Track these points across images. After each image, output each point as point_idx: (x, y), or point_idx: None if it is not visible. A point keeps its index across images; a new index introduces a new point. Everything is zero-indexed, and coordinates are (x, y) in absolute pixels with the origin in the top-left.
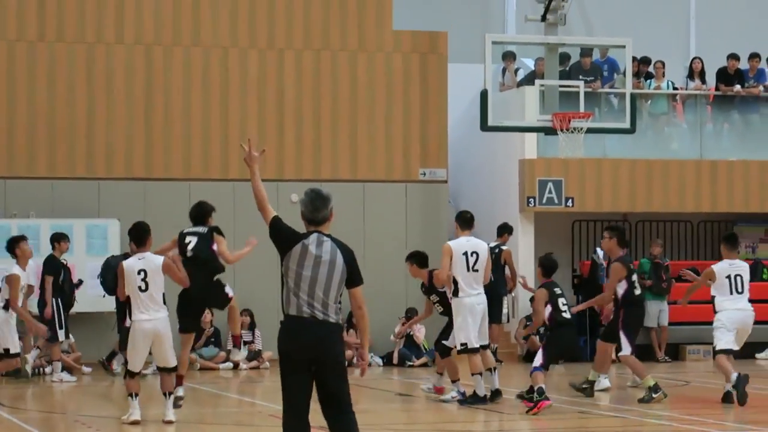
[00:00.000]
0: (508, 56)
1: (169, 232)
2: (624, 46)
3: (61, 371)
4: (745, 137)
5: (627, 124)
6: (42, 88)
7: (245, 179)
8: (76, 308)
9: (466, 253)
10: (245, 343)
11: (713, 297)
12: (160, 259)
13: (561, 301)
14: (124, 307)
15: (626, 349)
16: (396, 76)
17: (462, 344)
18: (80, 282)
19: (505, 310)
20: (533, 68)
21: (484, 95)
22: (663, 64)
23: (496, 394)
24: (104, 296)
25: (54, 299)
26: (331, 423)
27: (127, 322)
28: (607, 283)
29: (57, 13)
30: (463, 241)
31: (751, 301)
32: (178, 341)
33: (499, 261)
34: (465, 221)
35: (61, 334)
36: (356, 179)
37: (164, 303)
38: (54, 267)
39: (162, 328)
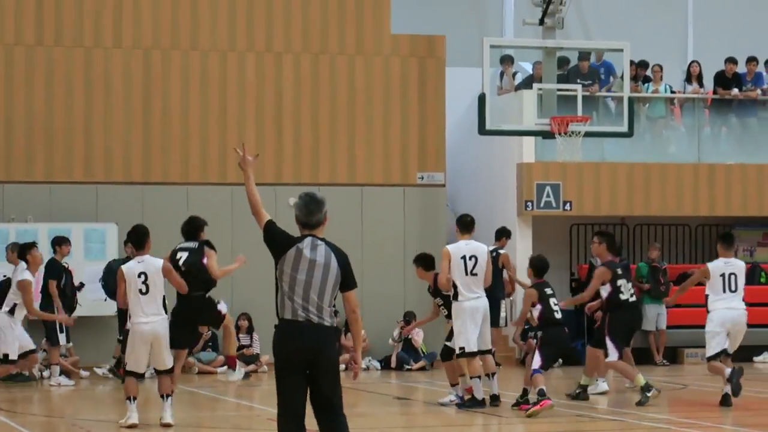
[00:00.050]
0: (506, 60)
1: (167, 237)
2: (622, 50)
3: (59, 375)
4: (742, 141)
5: (625, 128)
6: (40, 92)
7: (243, 183)
8: (74, 312)
9: (464, 257)
10: (242, 347)
11: (707, 296)
12: (160, 261)
13: (552, 301)
14: (125, 312)
15: (612, 354)
16: (394, 80)
17: (460, 348)
18: (81, 285)
19: (502, 314)
20: (531, 72)
21: (482, 99)
22: (661, 67)
23: (494, 399)
24: (105, 300)
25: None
26: (322, 426)
27: (128, 326)
28: (589, 286)
29: (55, 18)
30: (462, 245)
31: (749, 304)
32: None
33: (496, 265)
34: (464, 225)
35: (62, 337)
36: (354, 183)
37: (164, 306)
38: (56, 270)
39: (160, 331)
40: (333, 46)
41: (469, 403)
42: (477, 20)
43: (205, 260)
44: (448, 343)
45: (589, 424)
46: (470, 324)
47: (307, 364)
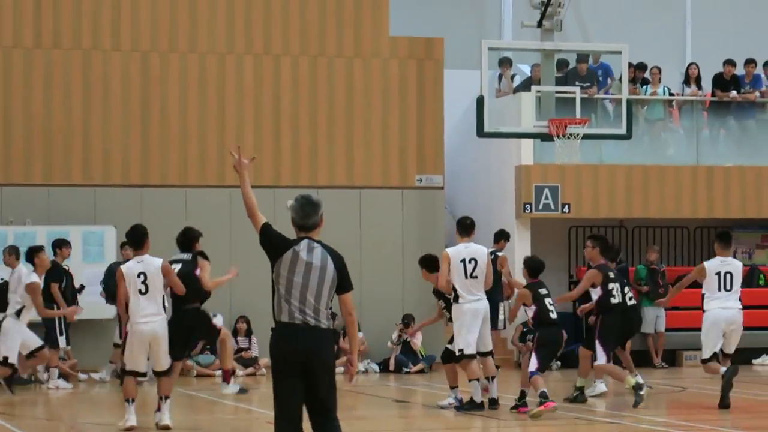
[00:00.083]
0: (505, 62)
1: (165, 239)
2: (620, 52)
3: (58, 378)
4: (741, 143)
5: (623, 130)
6: (38, 94)
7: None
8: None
9: (464, 260)
10: (241, 350)
11: (703, 295)
12: (159, 261)
13: (547, 301)
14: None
15: (601, 358)
16: (392, 82)
17: (459, 350)
18: (82, 287)
19: (501, 317)
20: (529, 74)
21: (480, 101)
22: (659, 69)
23: (493, 402)
24: (107, 302)
25: (55, 305)
26: (316, 429)
27: (129, 328)
28: (578, 286)
29: (53, 20)
30: (461, 248)
31: (747, 307)
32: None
33: (495, 267)
34: (464, 228)
35: (61, 340)
36: (353, 185)
37: (164, 306)
38: (57, 273)
39: (159, 331)
40: (331, 48)
41: (467, 406)
42: (475, 22)
43: (198, 272)
44: (449, 346)
45: (588, 426)
46: (470, 326)
47: (304, 367)
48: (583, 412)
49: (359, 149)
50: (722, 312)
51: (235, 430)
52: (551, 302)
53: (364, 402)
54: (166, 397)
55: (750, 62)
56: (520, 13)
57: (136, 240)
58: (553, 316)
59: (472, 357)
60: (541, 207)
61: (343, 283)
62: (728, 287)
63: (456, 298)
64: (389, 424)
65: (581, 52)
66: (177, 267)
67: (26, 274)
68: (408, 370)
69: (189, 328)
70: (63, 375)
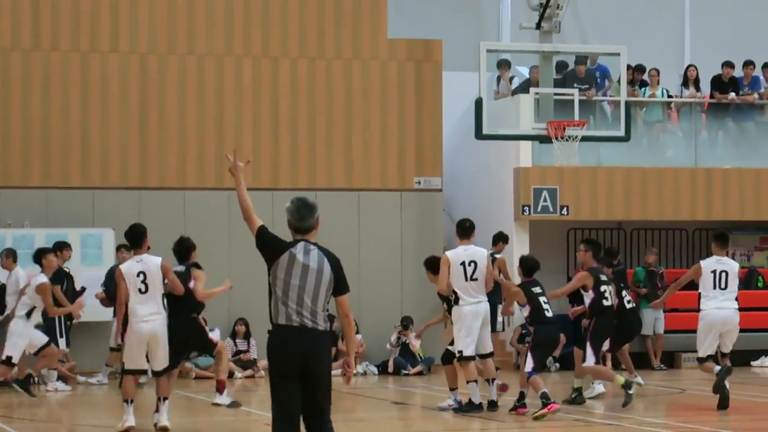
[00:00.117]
0: (503, 64)
1: (163, 241)
2: (619, 54)
3: (56, 380)
4: (739, 145)
5: (622, 132)
6: (36, 97)
7: None
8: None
9: (463, 263)
10: (239, 352)
11: (699, 294)
12: (158, 259)
13: (542, 299)
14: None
15: (590, 359)
16: (391, 85)
17: (459, 352)
18: (83, 289)
19: (499, 319)
20: (528, 76)
21: (478, 103)
22: (657, 71)
23: (492, 404)
24: (105, 305)
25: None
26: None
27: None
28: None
29: (52, 22)
30: (460, 250)
31: (746, 309)
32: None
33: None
34: (464, 230)
35: (61, 342)
36: (351, 188)
37: (164, 305)
38: (58, 275)
39: (159, 330)
40: (330, 50)
41: (466, 408)
42: (474, 25)
43: (192, 284)
44: (449, 347)
45: (586, 428)
46: (470, 328)
47: (302, 369)
48: (582, 413)
49: (358, 151)
50: (718, 313)
51: None
52: (546, 301)
53: (362, 404)
54: (165, 399)
55: (748, 64)
56: (519, 15)
57: (134, 239)
58: (548, 314)
59: (471, 359)
60: (539, 209)
61: (340, 285)
62: (723, 286)
63: (456, 301)
64: (388, 427)
65: (580, 54)
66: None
67: (24, 277)
68: (407, 372)
69: (183, 338)
70: (62, 377)
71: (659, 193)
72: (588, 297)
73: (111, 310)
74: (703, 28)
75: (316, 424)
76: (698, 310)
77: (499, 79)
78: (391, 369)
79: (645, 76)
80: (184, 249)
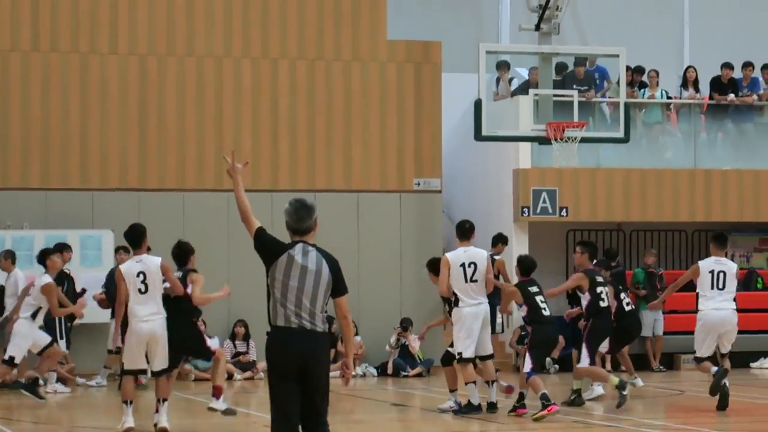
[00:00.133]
0: (502, 66)
1: (162, 243)
2: (618, 56)
3: (56, 382)
4: (739, 146)
5: (621, 134)
6: (36, 98)
7: None
8: (77, 319)
9: (463, 265)
10: (239, 353)
11: (697, 294)
12: (158, 259)
13: (539, 299)
14: (126, 321)
15: (584, 360)
16: (390, 86)
17: (458, 353)
18: (83, 291)
19: (498, 320)
20: (527, 78)
21: (478, 105)
22: (657, 73)
23: (491, 406)
24: (102, 306)
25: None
26: None
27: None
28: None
29: (51, 24)
30: (460, 252)
31: (745, 310)
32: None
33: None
34: (463, 232)
35: (61, 344)
36: (351, 189)
37: (164, 306)
38: (59, 277)
39: (158, 330)
40: (329, 52)
41: (465, 409)
42: (473, 26)
43: (189, 288)
44: (450, 349)
45: (585, 430)
46: (468, 330)
47: (300, 370)
48: (581, 415)
49: (357, 153)
50: (716, 314)
51: None
52: (543, 300)
53: (362, 406)
54: (164, 400)
55: (748, 65)
56: (518, 17)
57: (134, 239)
58: (546, 313)
59: (470, 361)
60: (538, 210)
61: (338, 286)
62: (721, 286)
63: (456, 302)
64: (387, 428)
65: (579, 56)
66: (167, 285)
67: (23, 278)
68: (406, 373)
69: (180, 340)
70: (61, 379)
71: (658, 195)
72: (585, 299)
73: (109, 311)
74: (703, 29)
75: (314, 426)
76: (697, 312)
77: (498, 80)
78: (390, 370)
79: (644, 78)
80: (182, 253)
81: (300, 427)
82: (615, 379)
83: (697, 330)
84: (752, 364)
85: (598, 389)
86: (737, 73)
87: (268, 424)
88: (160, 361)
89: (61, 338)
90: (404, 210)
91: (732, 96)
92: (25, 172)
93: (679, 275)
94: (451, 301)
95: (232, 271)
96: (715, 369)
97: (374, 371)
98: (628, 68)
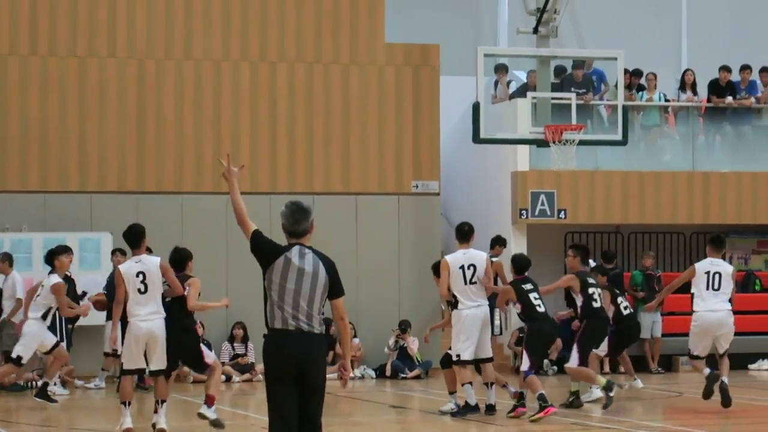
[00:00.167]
0: (501, 69)
1: (161, 245)
2: (616, 58)
3: (54, 385)
4: (737, 149)
5: (619, 136)
6: (34, 101)
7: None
8: (78, 321)
9: (462, 267)
10: (237, 356)
11: (692, 294)
12: (157, 259)
13: (532, 296)
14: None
15: (573, 360)
16: (388, 89)
17: (457, 355)
18: (84, 294)
19: (497, 322)
20: (525, 80)
21: (476, 108)
22: (655, 76)
23: (490, 408)
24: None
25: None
26: None
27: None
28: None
29: (49, 28)
30: (459, 254)
31: (743, 312)
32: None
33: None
34: (463, 234)
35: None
36: (349, 192)
37: (164, 306)
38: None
39: (157, 330)
40: (327, 55)
41: (463, 411)
42: (471, 29)
43: (186, 291)
44: (449, 351)
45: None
46: (467, 332)
47: (298, 372)
48: (579, 417)
49: (355, 155)
50: (711, 315)
51: None
52: (537, 297)
53: (360, 408)
54: (163, 401)
55: (745, 68)
56: (516, 20)
57: (133, 239)
58: (540, 310)
59: (469, 363)
60: (537, 213)
61: (335, 288)
62: (716, 287)
63: (455, 304)
64: (386, 430)
65: (577, 59)
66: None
67: (20, 281)
68: (404, 375)
69: (175, 342)
70: (60, 381)
71: (657, 197)
72: (578, 300)
73: (105, 314)
74: (700, 32)
75: (309, 427)
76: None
77: (496, 83)
78: (388, 373)
79: (642, 80)
80: (180, 259)
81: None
82: (602, 380)
83: (691, 331)
84: (750, 366)
85: (597, 392)
86: (735, 76)
87: (266, 426)
88: (159, 361)
89: (62, 340)
90: (402, 212)
91: (730, 99)
92: (23, 175)
93: (677, 277)
94: (450, 304)
95: (231, 273)
96: (708, 371)
97: (373, 373)
98: (626, 71)
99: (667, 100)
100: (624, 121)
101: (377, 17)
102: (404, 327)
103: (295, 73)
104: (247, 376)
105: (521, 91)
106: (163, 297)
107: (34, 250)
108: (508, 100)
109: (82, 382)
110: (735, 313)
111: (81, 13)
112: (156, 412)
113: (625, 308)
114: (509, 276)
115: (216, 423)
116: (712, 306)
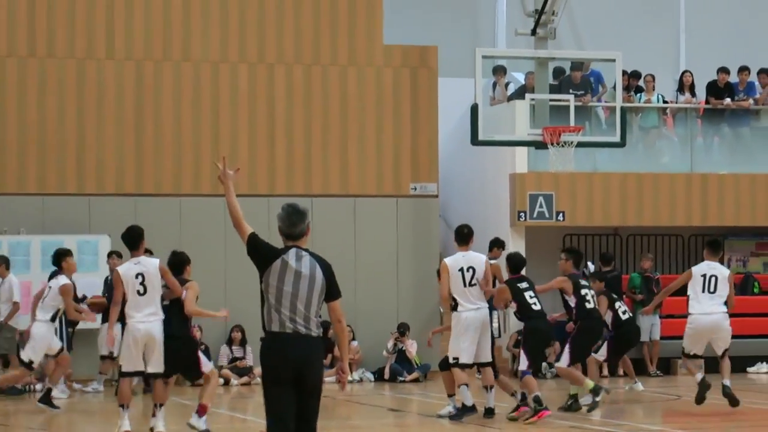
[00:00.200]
0: (499, 70)
1: (159, 248)
2: (614, 60)
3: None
4: (735, 150)
5: (617, 138)
6: (32, 103)
7: (236, 195)
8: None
9: (461, 269)
10: (235, 359)
11: (688, 296)
12: (156, 261)
13: (528, 295)
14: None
15: (563, 361)
16: (386, 91)
17: (454, 358)
18: (84, 297)
19: (495, 325)
20: (524, 82)
21: (474, 109)
22: (653, 77)
23: (489, 412)
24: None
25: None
26: None
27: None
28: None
29: (47, 29)
30: (459, 257)
31: (742, 315)
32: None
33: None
34: (462, 237)
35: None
36: (347, 194)
37: (162, 308)
38: None
39: (155, 332)
40: (325, 56)
41: (461, 413)
42: (469, 31)
43: (183, 294)
44: (449, 354)
45: None
46: (466, 335)
47: (295, 375)
48: (578, 420)
49: (353, 157)
50: (706, 318)
51: None
52: (532, 295)
53: (359, 411)
54: (161, 405)
55: (744, 70)
56: (514, 22)
57: (131, 241)
58: (536, 308)
59: (467, 367)
60: (535, 215)
61: (332, 291)
62: (712, 290)
63: (455, 307)
64: None
65: (575, 60)
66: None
67: (17, 284)
68: (403, 379)
69: (172, 352)
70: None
71: (655, 199)
72: (571, 302)
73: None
74: (699, 33)
75: (306, 430)
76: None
77: (494, 85)
78: (387, 376)
79: (640, 82)
80: (178, 263)
81: None
82: (590, 383)
83: (686, 333)
84: (749, 369)
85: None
86: (733, 78)
87: (264, 429)
88: (156, 364)
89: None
90: (401, 215)
91: (728, 100)
92: (21, 177)
93: (674, 281)
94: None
95: (229, 276)
96: (700, 376)
97: (371, 376)
98: (624, 73)
99: (665, 102)
100: (622, 122)
101: (375, 19)
102: (403, 330)
103: (293, 75)
104: (245, 379)
105: (519, 93)
106: (161, 300)
107: (32, 253)
108: (506, 101)
109: (80, 385)
110: (733, 316)
111: (79, 15)
112: (154, 415)
113: (624, 313)
114: (507, 277)
115: None
116: (707, 309)
